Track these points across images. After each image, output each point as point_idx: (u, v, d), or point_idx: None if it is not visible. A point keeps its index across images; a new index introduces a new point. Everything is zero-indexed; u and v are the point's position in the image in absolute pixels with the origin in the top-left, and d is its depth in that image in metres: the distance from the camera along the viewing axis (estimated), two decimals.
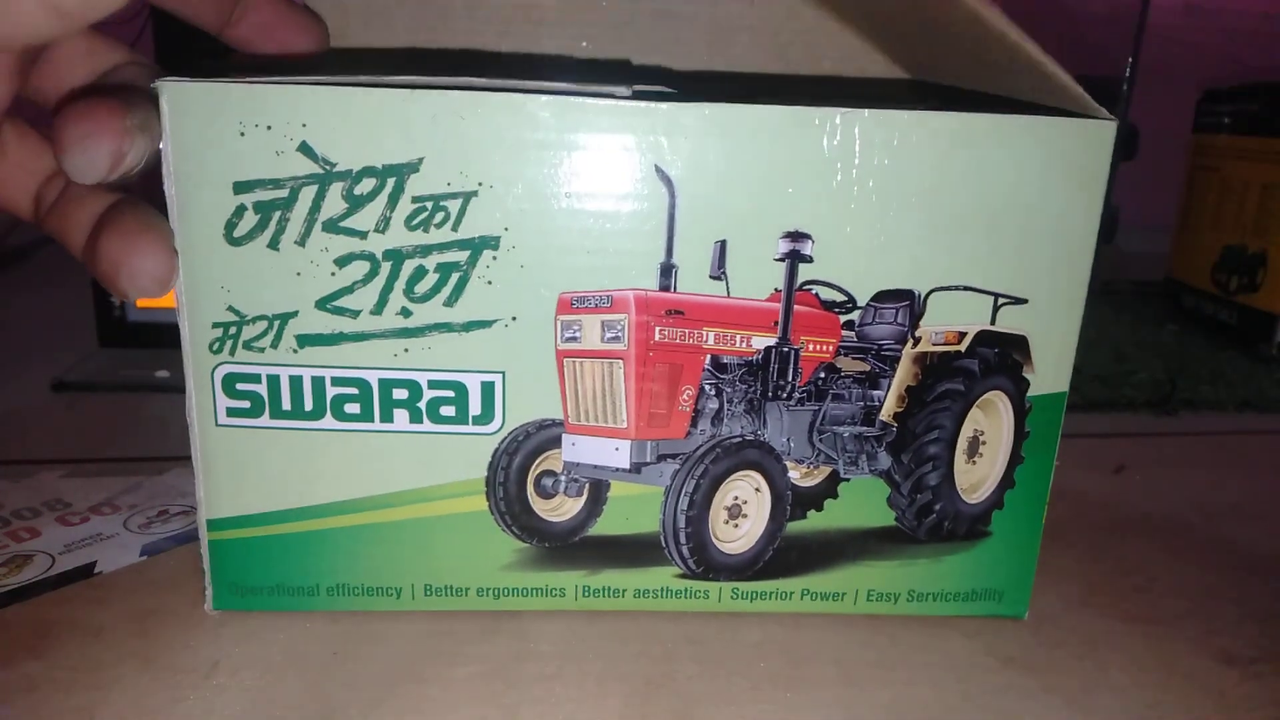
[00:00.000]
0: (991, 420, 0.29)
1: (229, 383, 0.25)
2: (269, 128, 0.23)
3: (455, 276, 0.25)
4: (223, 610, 0.28)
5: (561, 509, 0.28)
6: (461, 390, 0.26)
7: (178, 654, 0.27)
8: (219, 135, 0.23)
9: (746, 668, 0.27)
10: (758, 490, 0.28)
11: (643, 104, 0.24)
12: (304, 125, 0.23)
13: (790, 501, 0.28)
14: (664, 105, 0.24)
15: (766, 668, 0.27)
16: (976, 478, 0.29)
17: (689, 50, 0.38)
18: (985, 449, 0.29)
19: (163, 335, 0.48)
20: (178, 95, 0.23)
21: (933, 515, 0.29)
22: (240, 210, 0.24)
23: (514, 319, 0.25)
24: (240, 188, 0.24)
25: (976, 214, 0.26)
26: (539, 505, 0.28)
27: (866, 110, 0.24)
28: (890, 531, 0.29)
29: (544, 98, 0.24)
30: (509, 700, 0.25)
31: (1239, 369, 0.55)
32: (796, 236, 0.25)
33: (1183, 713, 0.26)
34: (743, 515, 0.29)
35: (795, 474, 0.28)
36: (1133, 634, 0.29)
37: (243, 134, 0.23)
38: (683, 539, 0.28)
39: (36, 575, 0.30)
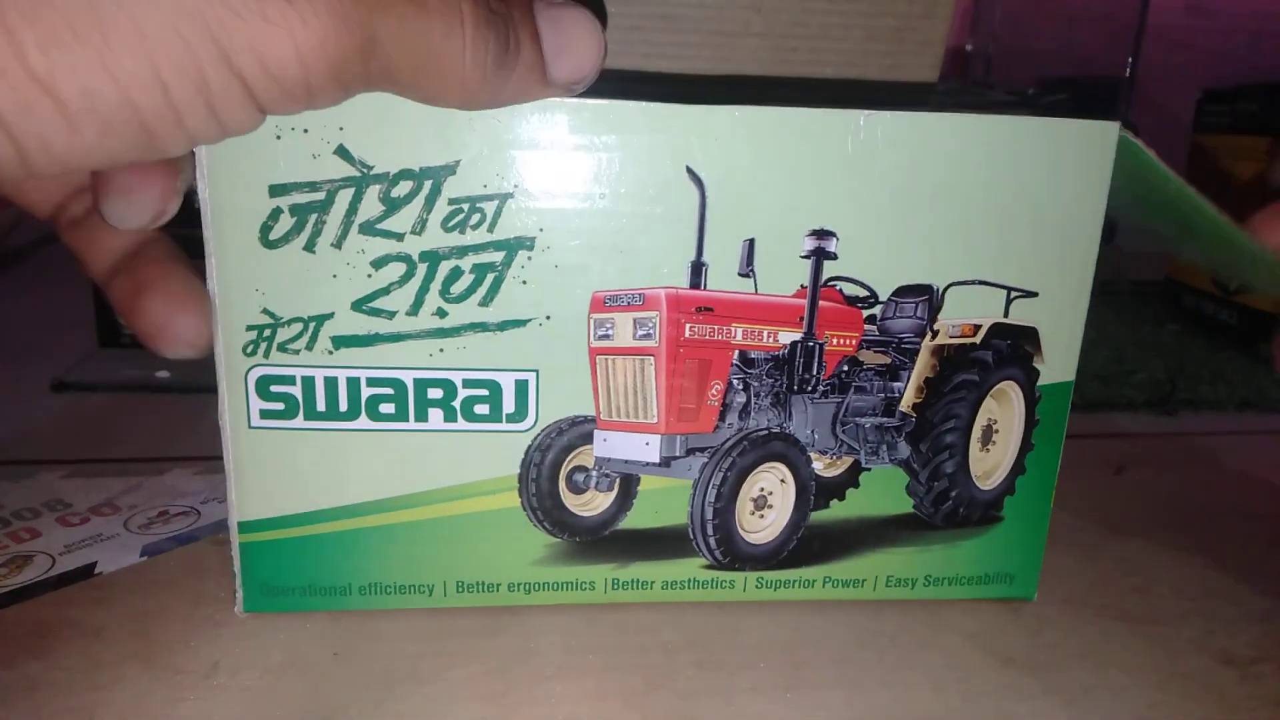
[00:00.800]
0: (1004, 409, 0.30)
1: (263, 385, 0.26)
2: (305, 131, 0.23)
3: (490, 277, 0.25)
4: (253, 613, 0.28)
5: (592, 504, 0.29)
6: (496, 389, 0.26)
7: (178, 654, 0.27)
8: (254, 138, 0.23)
9: (747, 668, 0.27)
10: (783, 482, 0.29)
11: (675, 107, 0.24)
12: (341, 129, 0.23)
13: (814, 492, 0.29)
14: (696, 108, 0.24)
15: (767, 668, 0.27)
16: (990, 464, 0.30)
17: (695, 54, 0.39)
18: (998, 437, 0.30)
19: None
20: None
21: (949, 501, 0.30)
22: (276, 213, 0.24)
23: (548, 318, 0.26)
24: (276, 190, 0.24)
25: (990, 211, 0.27)
26: (570, 500, 0.28)
27: (889, 113, 0.25)
28: (908, 519, 0.30)
29: (579, 101, 0.24)
30: (509, 700, 0.25)
31: (1239, 369, 0.55)
32: (822, 234, 0.26)
33: (1182, 713, 0.26)
34: (768, 506, 0.29)
35: (819, 465, 0.29)
36: (1132, 634, 0.29)
37: (279, 137, 0.23)
38: (710, 530, 0.28)
39: (37, 576, 0.30)
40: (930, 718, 0.25)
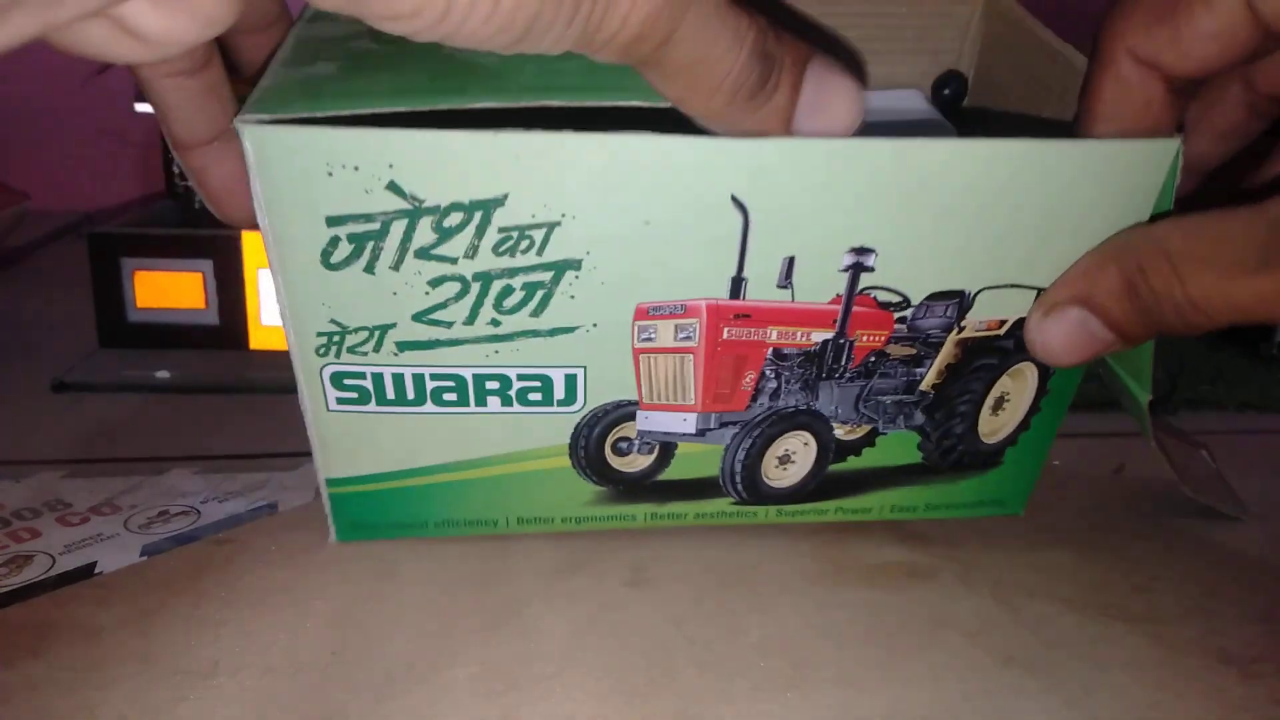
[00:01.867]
0: (1018, 384, 0.32)
1: (336, 379, 0.28)
2: (356, 168, 0.24)
3: (540, 293, 0.26)
4: (344, 541, 0.32)
5: (635, 464, 0.32)
6: (547, 381, 0.29)
7: (178, 654, 0.27)
8: (306, 174, 0.23)
9: (747, 668, 0.27)
10: (805, 444, 0.32)
11: (723, 142, 0.24)
12: (390, 166, 0.24)
13: (833, 450, 0.32)
14: (744, 144, 0.24)
15: (767, 668, 0.27)
16: (997, 425, 0.33)
17: None
18: (1008, 404, 0.32)
19: (163, 336, 0.48)
20: (259, 137, 0.23)
21: (954, 454, 0.33)
22: (334, 241, 0.25)
23: (594, 325, 0.27)
24: (332, 221, 0.24)
25: (1032, 228, 0.27)
26: (615, 461, 0.32)
27: (941, 142, 0.25)
28: (916, 467, 0.33)
29: (624, 136, 0.24)
30: (509, 701, 0.25)
31: (1239, 369, 0.55)
32: (861, 251, 0.27)
33: (1182, 713, 0.26)
34: (791, 462, 0.32)
35: (839, 431, 0.32)
36: (1132, 634, 0.29)
37: (330, 174, 0.24)
38: (738, 480, 0.32)
39: (37, 575, 0.30)
40: (930, 717, 0.25)
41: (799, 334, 0.29)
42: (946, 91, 0.34)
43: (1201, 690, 0.27)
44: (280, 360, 0.46)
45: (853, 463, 0.33)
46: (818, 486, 0.33)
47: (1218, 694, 0.27)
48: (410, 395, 0.28)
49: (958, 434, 0.32)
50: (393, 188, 0.24)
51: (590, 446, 0.31)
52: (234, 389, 0.45)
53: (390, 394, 0.28)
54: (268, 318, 0.47)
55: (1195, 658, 0.28)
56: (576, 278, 0.26)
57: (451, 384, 0.28)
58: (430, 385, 0.28)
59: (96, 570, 0.30)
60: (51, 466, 0.37)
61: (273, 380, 0.45)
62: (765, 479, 0.33)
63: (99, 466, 0.38)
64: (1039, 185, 0.26)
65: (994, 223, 0.26)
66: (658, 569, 0.32)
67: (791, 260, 0.27)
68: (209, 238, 0.47)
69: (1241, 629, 0.30)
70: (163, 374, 0.47)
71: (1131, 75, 0.23)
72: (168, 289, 0.48)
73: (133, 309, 0.48)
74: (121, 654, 0.27)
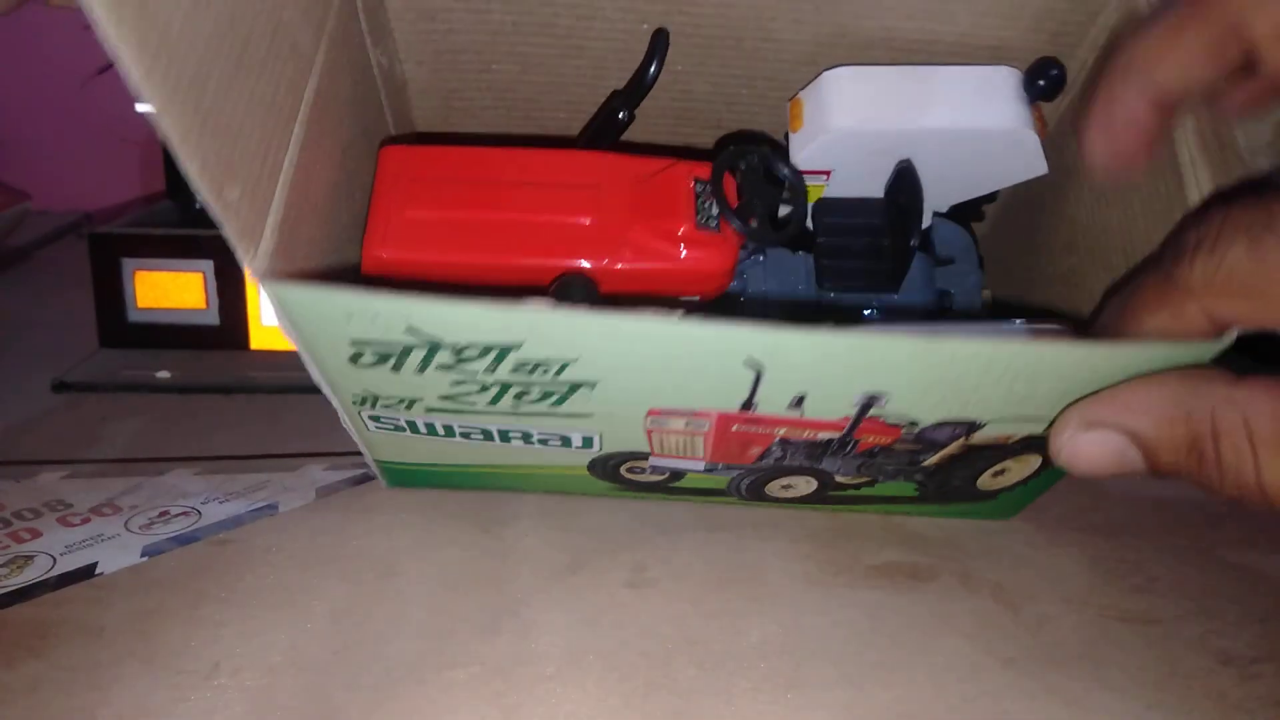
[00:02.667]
0: (1021, 464, 0.31)
1: (374, 419, 0.30)
2: (375, 316, 0.24)
3: (557, 396, 0.27)
4: (394, 487, 0.36)
5: (648, 478, 0.33)
6: (566, 438, 0.30)
7: (179, 655, 0.27)
8: (329, 314, 0.24)
9: (747, 668, 0.27)
10: (807, 481, 0.33)
11: (749, 333, 0.24)
12: (408, 316, 0.24)
13: (833, 487, 0.33)
14: (771, 335, 0.24)
15: (767, 668, 0.27)
16: (996, 485, 0.33)
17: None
18: (1009, 473, 0.32)
19: (164, 336, 0.48)
20: (280, 293, 0.24)
21: (951, 498, 0.34)
22: (359, 354, 0.26)
23: (610, 414, 0.28)
24: (357, 342, 0.25)
25: (1057, 396, 0.26)
26: (630, 476, 0.33)
27: (956, 339, 0.24)
28: (913, 498, 0.34)
29: (639, 320, 0.24)
30: (509, 701, 0.25)
31: (1240, 369, 0.55)
32: (874, 397, 0.26)
33: (1182, 714, 0.26)
34: (793, 487, 0.34)
35: (841, 479, 0.32)
36: (1132, 634, 0.30)
37: (350, 316, 0.24)
38: (743, 493, 0.34)
39: (38, 576, 0.30)
40: (931, 718, 0.25)
41: (806, 432, 0.29)
42: (1041, 83, 0.32)
43: (1201, 691, 0.27)
44: (281, 360, 0.47)
45: (851, 492, 0.34)
46: (819, 500, 0.35)
47: (1217, 695, 0.27)
48: (441, 433, 0.30)
49: (955, 487, 0.33)
50: (410, 330, 0.25)
51: (606, 471, 0.33)
52: (235, 389, 0.45)
53: (423, 431, 0.30)
54: (268, 318, 0.47)
55: (1195, 659, 0.28)
56: (591, 393, 0.27)
57: (479, 433, 0.30)
58: (459, 430, 0.30)
59: (97, 571, 0.30)
60: (52, 467, 0.37)
61: (273, 380, 0.45)
62: (768, 495, 0.34)
63: (99, 467, 0.38)
64: (1066, 378, 0.25)
65: (1017, 391, 0.26)
66: (658, 569, 0.32)
67: (803, 397, 0.27)
68: (209, 238, 0.47)
69: (1241, 630, 0.30)
70: (163, 374, 0.47)
71: (1124, 93, 0.24)
72: (168, 289, 0.48)
73: (133, 309, 0.48)
74: (122, 654, 0.27)
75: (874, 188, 0.35)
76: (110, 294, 0.48)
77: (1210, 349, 0.24)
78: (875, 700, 0.26)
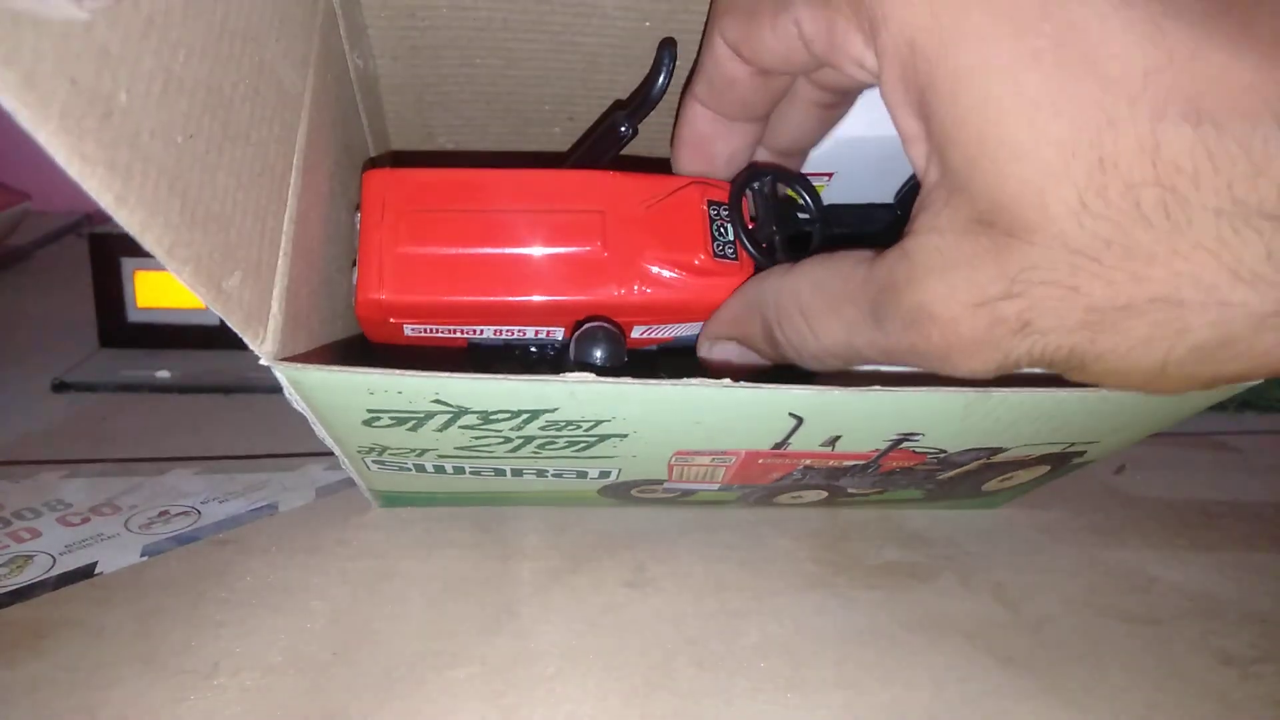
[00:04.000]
0: (1029, 472, 0.32)
1: (379, 463, 0.29)
2: (400, 392, 0.23)
3: (583, 445, 0.27)
4: (385, 509, 0.35)
5: (659, 495, 0.33)
6: (583, 473, 0.30)
7: (179, 654, 0.27)
8: (348, 390, 0.23)
9: (747, 668, 0.27)
10: (818, 493, 0.33)
11: (781, 393, 0.24)
12: (436, 394, 0.23)
13: (844, 495, 0.34)
14: (817, 393, 0.24)
15: (767, 668, 0.27)
16: (1000, 487, 0.33)
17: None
18: (1014, 479, 0.32)
19: (164, 336, 0.48)
20: (296, 377, 0.23)
21: (953, 498, 0.34)
22: (374, 419, 0.25)
23: (634, 457, 0.28)
24: (374, 411, 0.24)
25: (1077, 429, 0.27)
26: (640, 496, 0.33)
27: (1005, 392, 0.24)
28: (916, 499, 0.34)
29: (686, 388, 0.23)
30: (509, 701, 0.25)
31: None
32: (908, 436, 0.27)
33: (1182, 714, 0.26)
34: (802, 498, 0.34)
35: (853, 489, 0.33)
36: (1132, 634, 0.29)
37: (373, 392, 0.23)
38: (750, 503, 0.34)
39: (37, 576, 0.30)
40: (931, 718, 0.25)
41: (831, 461, 0.29)
42: None
43: (1201, 691, 0.27)
44: None
45: (860, 498, 0.34)
46: (825, 504, 0.35)
47: (1218, 695, 0.27)
48: (450, 471, 0.29)
49: (961, 491, 0.33)
50: (437, 401, 0.24)
51: (618, 492, 0.32)
52: (234, 389, 0.45)
53: (431, 471, 0.29)
54: None
55: (1195, 659, 0.28)
56: (619, 442, 0.27)
57: (491, 471, 0.29)
58: (470, 470, 0.29)
59: (97, 570, 0.30)
60: (52, 467, 0.37)
61: (273, 381, 0.44)
62: (777, 502, 0.34)
63: (99, 467, 0.38)
64: (1104, 415, 0.26)
65: (1050, 425, 0.27)
66: (658, 569, 0.32)
67: (838, 437, 0.27)
68: None
69: (1241, 630, 0.30)
70: (163, 374, 0.47)
71: (724, 57, 0.25)
72: (168, 289, 0.48)
73: (133, 309, 0.48)
74: (122, 654, 0.27)
75: (877, 190, 0.35)
76: (110, 294, 0.48)
77: (1207, 397, 0.26)
78: (875, 700, 0.26)
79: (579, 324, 0.27)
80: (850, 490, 0.33)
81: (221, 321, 0.22)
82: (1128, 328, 0.18)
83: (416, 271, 0.26)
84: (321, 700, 0.25)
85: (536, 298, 0.27)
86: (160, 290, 0.48)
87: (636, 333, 0.28)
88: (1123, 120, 0.17)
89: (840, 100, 0.27)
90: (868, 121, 0.31)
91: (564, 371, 0.23)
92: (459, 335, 0.28)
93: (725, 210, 0.28)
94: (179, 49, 0.19)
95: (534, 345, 0.29)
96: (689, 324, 0.28)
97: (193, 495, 0.35)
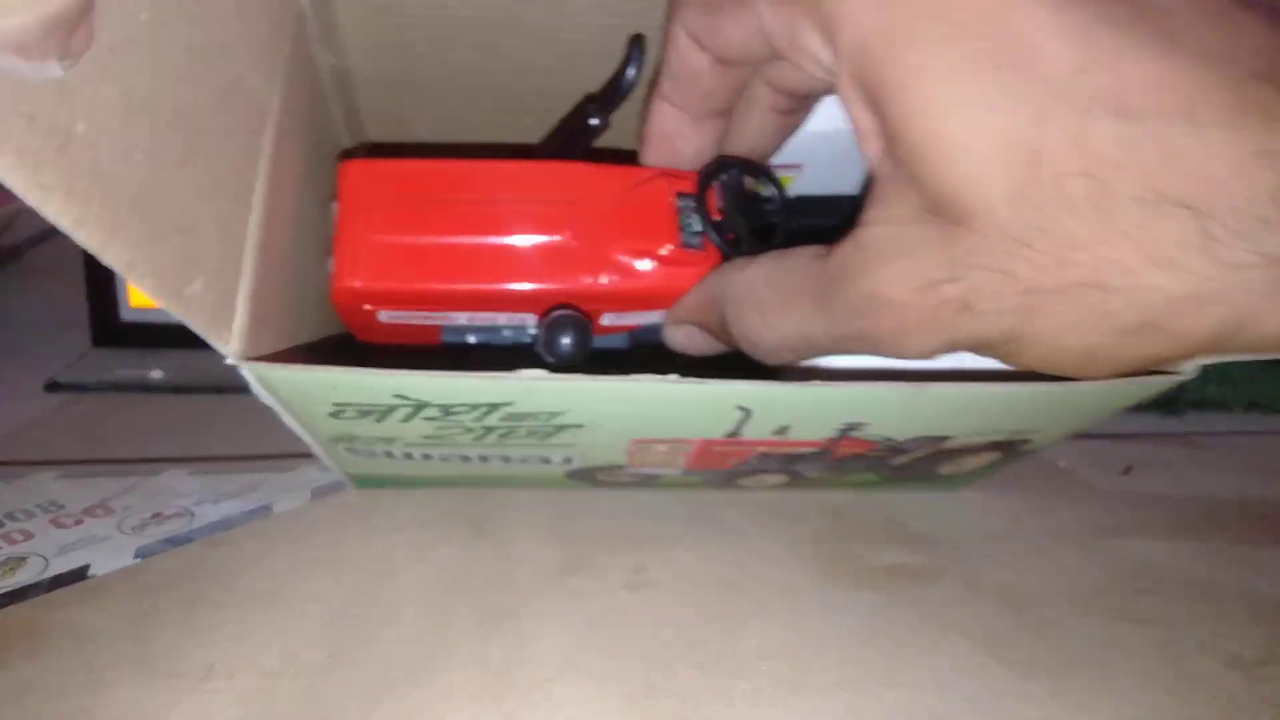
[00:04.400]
0: (980, 458, 0.33)
1: (350, 451, 0.30)
2: (362, 388, 0.25)
3: (542, 434, 0.28)
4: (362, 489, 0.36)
5: (623, 482, 0.34)
6: (546, 459, 0.31)
7: (173, 657, 0.26)
8: (313, 386, 0.25)
9: (748, 670, 0.27)
10: (779, 477, 0.34)
11: (737, 385, 0.25)
12: (397, 388, 0.25)
13: (803, 479, 0.34)
14: (760, 387, 0.25)
15: (768, 670, 0.27)
16: (954, 470, 0.34)
17: None
18: (966, 464, 0.34)
19: (157, 335, 0.48)
20: (261, 373, 0.24)
21: (909, 481, 0.36)
22: (340, 412, 0.26)
23: (593, 443, 0.29)
24: (339, 404, 0.26)
25: (1025, 417, 0.29)
26: (605, 480, 0.34)
27: (940, 387, 0.25)
28: (874, 482, 0.36)
29: (634, 383, 0.24)
30: (507, 704, 0.25)
31: (1246, 369, 0.55)
32: (853, 425, 0.28)
33: (1189, 717, 0.26)
34: (764, 481, 0.35)
35: (811, 474, 0.34)
36: (1139, 637, 0.29)
37: (336, 388, 0.25)
38: (714, 486, 0.35)
39: (30, 578, 0.30)
40: None
41: (785, 448, 0.30)
42: None
43: (1209, 694, 0.27)
44: None
45: (819, 480, 0.35)
46: (787, 486, 0.36)
47: (1226, 698, 0.27)
48: (418, 458, 0.31)
49: (915, 476, 0.35)
50: (399, 397, 0.25)
51: (584, 476, 0.33)
52: (228, 389, 0.45)
53: (400, 458, 0.30)
54: None
55: (1202, 662, 0.28)
56: (577, 432, 0.28)
57: (458, 458, 0.31)
58: (438, 457, 0.30)
59: (90, 573, 0.30)
60: (45, 468, 0.37)
61: None
62: (740, 485, 0.35)
63: (93, 468, 0.37)
64: (1039, 405, 0.27)
65: (990, 417, 0.28)
66: (657, 570, 0.31)
67: (787, 427, 0.28)
68: None
69: (1249, 632, 0.30)
70: (157, 374, 0.46)
71: (686, 48, 0.26)
72: None
73: (126, 308, 0.48)
74: (115, 657, 0.26)
75: (844, 182, 0.36)
76: (103, 293, 0.48)
77: (1167, 380, 0.26)
78: (878, 703, 0.26)
79: (548, 311, 0.28)
80: (809, 475, 0.34)
81: None
82: (1058, 310, 0.19)
83: (391, 260, 0.27)
84: (317, 703, 0.25)
85: (508, 285, 0.27)
86: None
87: (606, 320, 0.29)
88: (1053, 115, 0.18)
89: (798, 106, 0.28)
90: (834, 116, 0.31)
91: (533, 361, 0.24)
92: (433, 322, 0.29)
93: (693, 201, 0.28)
94: (141, 74, 0.19)
95: (506, 329, 0.30)
96: (657, 312, 0.29)
97: (187, 496, 0.35)
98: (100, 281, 0.47)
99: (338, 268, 0.27)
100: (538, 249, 0.28)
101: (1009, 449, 0.32)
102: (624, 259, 0.28)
